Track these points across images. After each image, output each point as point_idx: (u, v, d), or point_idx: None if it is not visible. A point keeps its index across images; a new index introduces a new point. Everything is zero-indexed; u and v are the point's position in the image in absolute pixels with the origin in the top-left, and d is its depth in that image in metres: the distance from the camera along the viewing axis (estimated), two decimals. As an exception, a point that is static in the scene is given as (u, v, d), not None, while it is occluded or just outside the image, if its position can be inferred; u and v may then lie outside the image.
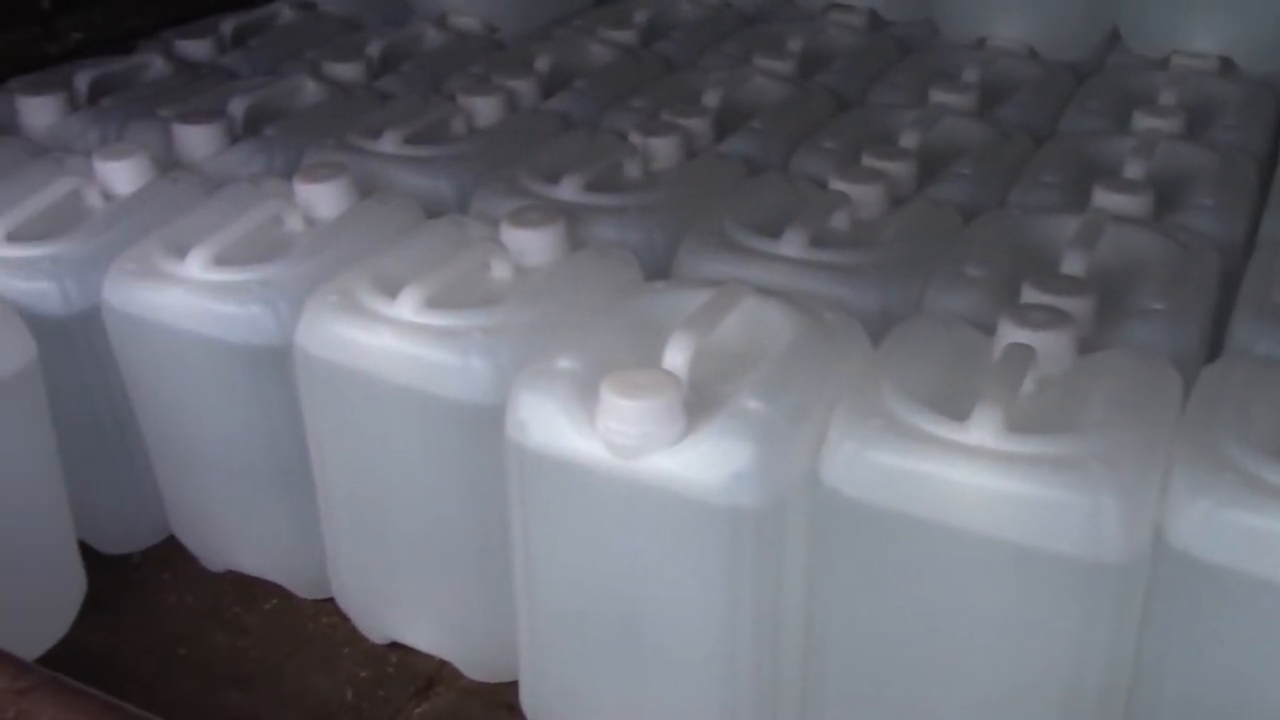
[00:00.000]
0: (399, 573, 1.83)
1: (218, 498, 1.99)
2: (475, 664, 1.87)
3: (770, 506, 1.44)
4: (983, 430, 1.38)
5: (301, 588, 2.04)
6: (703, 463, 1.43)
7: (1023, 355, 1.49)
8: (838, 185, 2.01)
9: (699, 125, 2.28)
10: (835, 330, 1.63)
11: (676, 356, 1.50)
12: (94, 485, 2.00)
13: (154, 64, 2.65)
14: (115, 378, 1.96)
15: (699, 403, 1.47)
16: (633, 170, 2.13)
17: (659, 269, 1.91)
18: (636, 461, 1.45)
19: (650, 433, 1.43)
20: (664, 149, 2.17)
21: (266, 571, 2.06)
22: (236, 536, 2.03)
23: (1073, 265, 1.76)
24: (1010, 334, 1.56)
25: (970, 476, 1.36)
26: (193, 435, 1.93)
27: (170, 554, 2.13)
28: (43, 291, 1.87)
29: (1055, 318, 1.57)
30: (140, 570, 2.11)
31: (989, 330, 1.62)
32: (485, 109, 2.35)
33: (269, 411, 1.84)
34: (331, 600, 2.00)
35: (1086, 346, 1.59)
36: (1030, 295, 1.67)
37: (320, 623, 2.00)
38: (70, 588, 1.95)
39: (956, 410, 1.43)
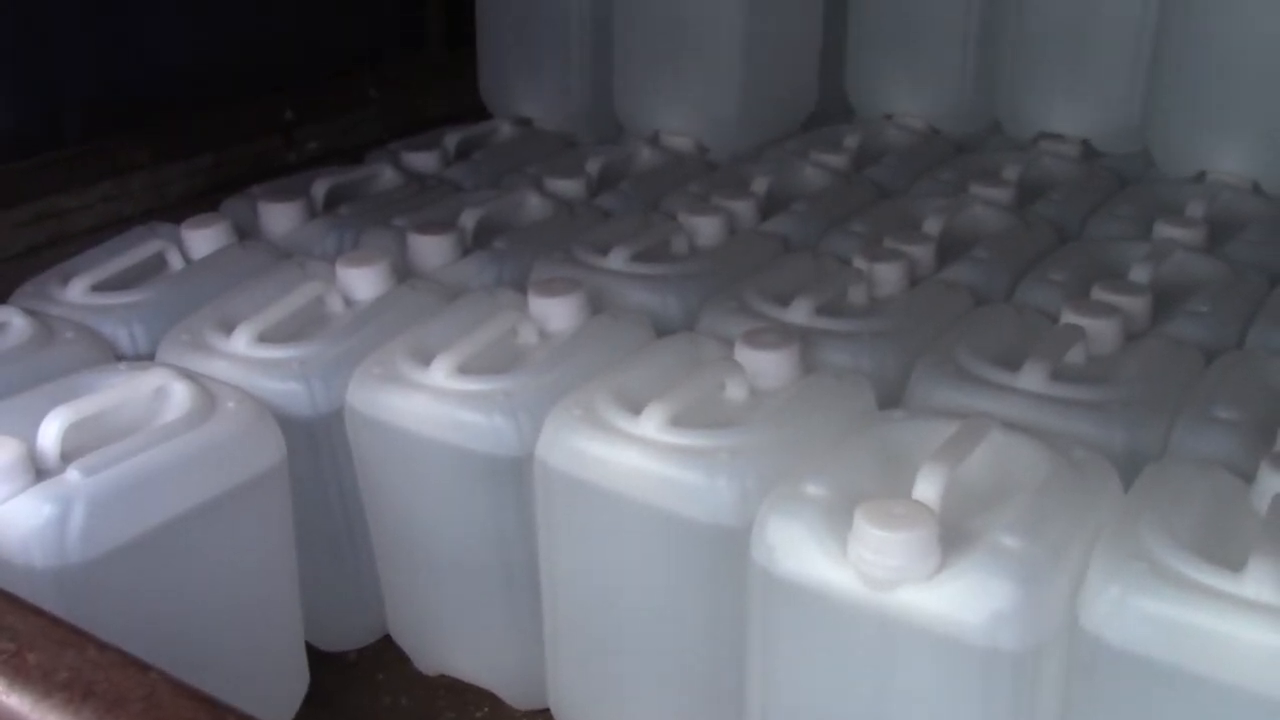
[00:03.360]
0: (624, 689, 1.83)
1: (440, 601, 2.02)
2: (694, 786, 1.85)
3: (1029, 649, 1.41)
4: (1260, 584, 1.33)
5: (513, 697, 2.05)
6: (960, 600, 1.41)
7: (1295, 506, 1.45)
8: (1070, 318, 1.99)
9: (921, 252, 2.28)
10: (1086, 469, 1.60)
11: (928, 488, 1.49)
12: (319, 582, 2.05)
13: (384, 174, 2.76)
14: (350, 478, 2.01)
15: (951, 537, 1.45)
16: (858, 295, 2.14)
17: (890, 396, 1.91)
18: (889, 594, 1.43)
19: (906, 565, 1.41)
20: (889, 275, 2.18)
21: (480, 678, 2.08)
22: (455, 641, 2.06)
23: (1331, 413, 1.71)
24: (1274, 484, 1.51)
25: (1248, 632, 1.31)
26: (422, 538, 1.97)
27: (385, 654, 2.16)
28: (292, 393, 1.93)
29: (1322, 468, 1.52)
30: (356, 668, 2.15)
31: (1244, 475, 1.58)
32: (707, 228, 2.39)
33: (501, 520, 1.87)
34: (542, 712, 2.01)
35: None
36: (1289, 442, 1.62)
37: (532, 733, 2.01)
38: (294, 682, 1.99)
39: (1221, 559, 1.39)
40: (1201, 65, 2.64)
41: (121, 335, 2.10)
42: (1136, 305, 2.06)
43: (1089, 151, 2.90)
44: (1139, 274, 2.17)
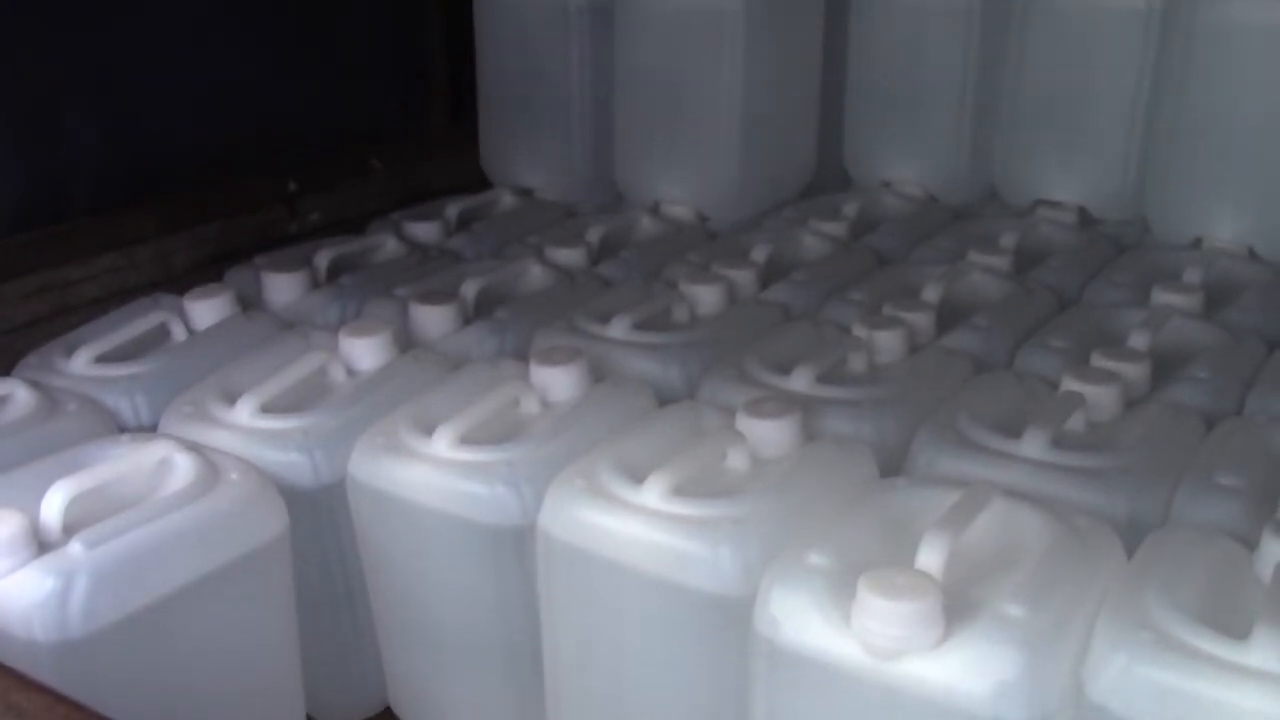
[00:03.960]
0: (626, 761, 1.82)
1: (442, 674, 2.01)
2: None
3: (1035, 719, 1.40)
4: (1265, 653, 1.33)
5: (516, 769, 2.04)
6: (965, 670, 1.40)
7: (1299, 574, 1.44)
8: (1071, 385, 2.00)
9: (921, 319, 2.29)
10: (1090, 537, 1.60)
11: (932, 557, 1.49)
12: (319, 655, 2.04)
13: (385, 244, 2.78)
14: (351, 550, 2.01)
15: (955, 606, 1.45)
16: (859, 363, 2.15)
17: (891, 463, 1.91)
18: (893, 664, 1.43)
19: (910, 635, 1.41)
20: (889, 342, 2.19)
21: (481, 750, 2.07)
22: (456, 713, 2.05)
23: (1332, 479, 1.71)
24: (1277, 551, 1.51)
25: (1253, 701, 1.31)
26: (424, 610, 1.97)
27: (385, 727, 2.15)
28: (294, 463, 1.93)
29: (1324, 536, 1.52)
30: (357, 741, 2.14)
31: (1247, 542, 1.58)
32: (707, 297, 2.40)
33: (504, 591, 1.87)
34: (545, 784, 1.99)
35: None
36: (1291, 510, 1.63)
37: (534, 806, 1.99)
38: (296, 755, 1.98)
39: (1225, 627, 1.39)
40: (1196, 132, 2.66)
41: (124, 407, 2.11)
42: (1136, 371, 2.06)
43: (1086, 218, 2.92)
44: (1138, 340, 2.18)
